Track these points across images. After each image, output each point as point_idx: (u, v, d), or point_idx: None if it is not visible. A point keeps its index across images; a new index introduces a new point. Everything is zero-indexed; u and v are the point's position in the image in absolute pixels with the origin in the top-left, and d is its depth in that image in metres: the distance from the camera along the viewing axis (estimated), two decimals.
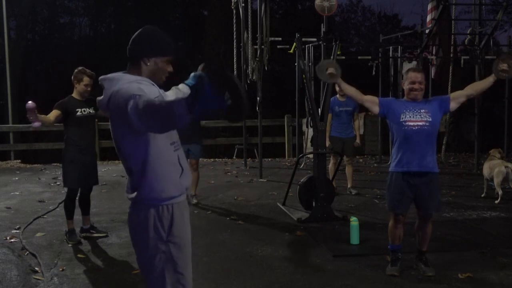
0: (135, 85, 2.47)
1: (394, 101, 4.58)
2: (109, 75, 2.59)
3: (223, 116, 2.11)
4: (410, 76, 4.31)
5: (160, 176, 2.55)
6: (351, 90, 4.62)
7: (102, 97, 2.58)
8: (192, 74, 2.37)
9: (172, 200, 2.61)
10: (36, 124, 5.01)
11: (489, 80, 4.44)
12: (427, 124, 4.27)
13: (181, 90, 2.72)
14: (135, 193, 2.58)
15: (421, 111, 4.29)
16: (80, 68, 5.46)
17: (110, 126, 2.59)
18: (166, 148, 2.56)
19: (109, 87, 2.54)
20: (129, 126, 2.40)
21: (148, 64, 2.61)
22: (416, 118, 4.27)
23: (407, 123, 4.28)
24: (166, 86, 2.72)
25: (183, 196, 2.67)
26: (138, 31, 2.65)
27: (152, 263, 2.61)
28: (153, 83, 2.61)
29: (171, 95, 2.69)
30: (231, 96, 2.05)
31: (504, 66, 4.34)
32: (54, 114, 5.26)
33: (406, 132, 4.29)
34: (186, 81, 2.40)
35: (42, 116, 5.08)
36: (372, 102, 4.50)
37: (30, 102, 4.95)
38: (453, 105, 4.39)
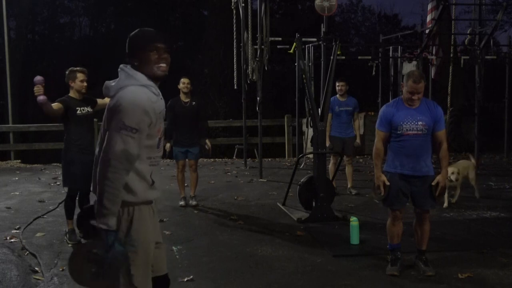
0: (144, 97, 2.49)
1: (390, 111, 4.37)
2: (128, 69, 2.58)
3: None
4: (410, 86, 4.23)
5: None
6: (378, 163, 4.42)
7: (113, 83, 2.60)
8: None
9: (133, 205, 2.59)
10: (42, 97, 4.98)
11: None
12: (422, 132, 4.31)
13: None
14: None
15: (419, 123, 4.29)
16: (69, 68, 5.48)
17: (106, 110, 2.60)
18: (140, 159, 2.56)
19: (123, 80, 2.56)
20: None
21: (136, 63, 2.58)
22: (412, 129, 4.29)
23: (403, 132, 4.31)
24: None
25: (145, 204, 2.65)
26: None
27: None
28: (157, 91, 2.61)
29: None
30: None
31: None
32: (56, 106, 5.22)
33: (401, 137, 4.33)
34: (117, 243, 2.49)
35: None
36: (384, 139, 4.41)
37: (38, 76, 4.94)
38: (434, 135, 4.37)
